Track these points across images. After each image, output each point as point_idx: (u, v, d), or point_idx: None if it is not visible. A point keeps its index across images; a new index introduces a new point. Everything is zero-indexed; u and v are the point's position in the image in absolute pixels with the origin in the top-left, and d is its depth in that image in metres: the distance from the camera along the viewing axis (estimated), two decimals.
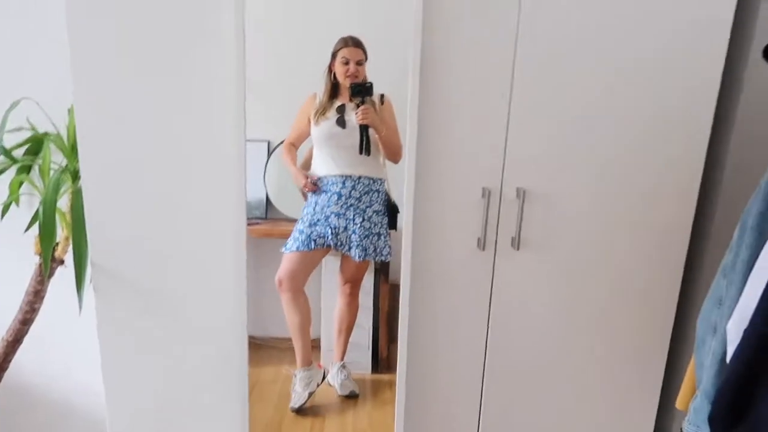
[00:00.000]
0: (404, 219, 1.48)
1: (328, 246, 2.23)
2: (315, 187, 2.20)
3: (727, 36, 1.41)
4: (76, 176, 1.60)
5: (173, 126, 1.45)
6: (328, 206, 2.21)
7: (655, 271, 1.57)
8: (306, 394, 2.22)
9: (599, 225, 1.54)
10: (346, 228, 2.22)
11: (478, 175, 1.50)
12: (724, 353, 1.12)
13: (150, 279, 1.54)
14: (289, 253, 2.20)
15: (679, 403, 1.31)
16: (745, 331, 1.04)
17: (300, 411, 2.17)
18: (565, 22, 1.42)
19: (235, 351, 1.59)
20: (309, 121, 2.23)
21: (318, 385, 2.28)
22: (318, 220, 2.22)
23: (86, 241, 1.49)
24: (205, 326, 1.58)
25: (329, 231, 2.21)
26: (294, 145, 2.28)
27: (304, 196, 2.28)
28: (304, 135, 2.27)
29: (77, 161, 1.48)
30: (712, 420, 1.07)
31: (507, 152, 1.49)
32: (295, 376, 2.26)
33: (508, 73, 1.45)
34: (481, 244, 1.53)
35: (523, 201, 1.50)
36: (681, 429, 1.20)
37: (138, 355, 1.58)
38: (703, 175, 1.51)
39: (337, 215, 2.21)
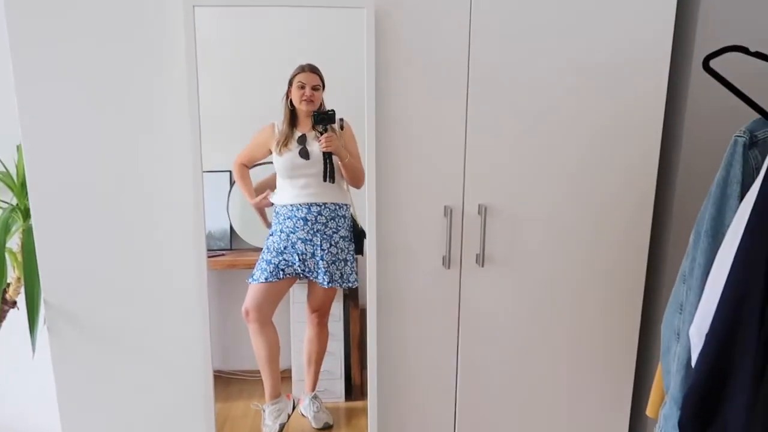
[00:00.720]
0: (368, 241, 1.48)
1: (296, 275, 2.20)
2: (268, 201, 2.15)
3: (670, 45, 1.46)
4: (27, 214, 1.55)
5: (126, 158, 1.42)
6: (294, 232, 2.19)
7: (618, 279, 1.58)
8: (277, 426, 2.15)
9: (561, 237, 1.55)
10: (313, 254, 2.19)
11: (439, 194, 1.50)
12: (689, 358, 1.13)
13: (108, 317, 1.49)
14: (256, 283, 2.16)
15: (649, 411, 1.32)
16: (707, 335, 1.05)
17: None
18: (516, 38, 1.45)
19: (199, 387, 1.54)
20: (267, 150, 2.21)
21: (289, 416, 2.21)
22: (285, 247, 2.19)
23: (39, 281, 1.43)
24: (168, 363, 1.53)
25: (296, 258, 2.18)
26: (245, 166, 2.25)
27: (264, 219, 2.25)
28: (256, 159, 2.24)
29: (27, 199, 1.44)
30: (681, 426, 1.07)
31: (466, 170, 1.50)
32: (264, 410, 2.20)
33: (463, 91, 1.46)
34: (446, 262, 1.53)
35: (485, 217, 1.51)
36: None
37: (97, 397, 1.52)
38: (658, 182, 1.54)
39: (304, 241, 2.18)
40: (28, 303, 1.49)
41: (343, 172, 2.15)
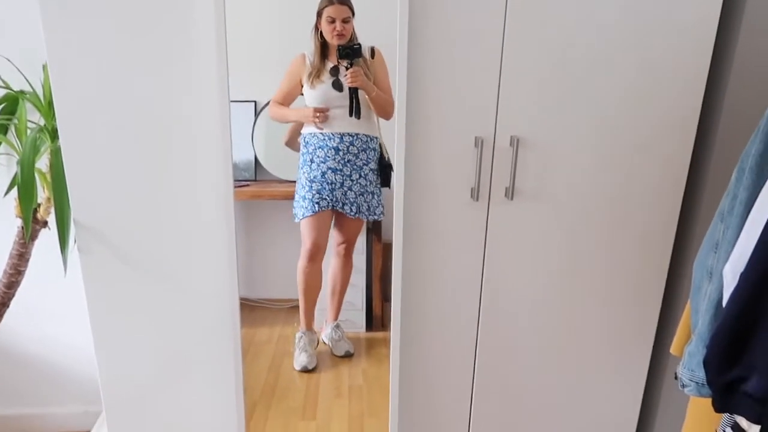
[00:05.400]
0: (395, 173, 1.45)
1: (329, 206, 2.22)
2: (325, 115, 2.14)
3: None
4: (54, 135, 1.55)
5: (153, 85, 1.39)
6: (325, 162, 2.19)
7: (652, 216, 1.55)
8: (309, 353, 2.26)
9: (593, 172, 1.51)
10: (342, 184, 2.20)
11: (470, 124, 1.46)
12: (720, 298, 1.11)
13: (137, 240, 1.50)
14: (303, 220, 2.21)
15: (673, 349, 1.31)
16: (742, 274, 1.02)
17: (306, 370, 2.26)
18: None
19: (227, 311, 1.57)
20: (299, 83, 2.18)
21: (315, 348, 2.33)
22: (315, 176, 2.20)
23: (68, 201, 1.44)
24: (196, 289, 1.55)
25: (326, 187, 2.19)
26: (283, 105, 2.24)
27: (296, 146, 2.25)
28: (293, 96, 2.23)
29: (55, 119, 1.43)
30: (707, 363, 1.06)
31: (500, 100, 1.45)
32: (303, 336, 2.30)
33: (500, 21, 1.40)
34: (475, 194, 1.50)
35: (517, 149, 1.47)
36: (675, 374, 1.20)
37: (127, 317, 1.56)
38: (700, 118, 1.48)
39: (334, 171, 2.18)
40: (58, 223, 1.51)
41: (371, 105, 2.12)
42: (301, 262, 2.28)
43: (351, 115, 2.11)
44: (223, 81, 1.41)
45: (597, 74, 1.45)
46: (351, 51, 2.00)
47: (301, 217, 2.21)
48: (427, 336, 1.66)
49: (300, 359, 2.25)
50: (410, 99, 1.43)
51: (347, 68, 2.03)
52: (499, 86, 1.43)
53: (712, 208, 1.46)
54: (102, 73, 1.38)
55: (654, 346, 1.68)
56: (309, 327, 2.33)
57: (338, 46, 2.04)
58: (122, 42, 1.36)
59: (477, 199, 1.51)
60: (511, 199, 1.51)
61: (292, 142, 2.31)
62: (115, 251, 1.50)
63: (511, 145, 1.46)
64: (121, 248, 1.50)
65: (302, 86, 2.17)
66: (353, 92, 2.08)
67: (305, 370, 2.23)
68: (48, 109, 1.58)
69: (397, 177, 1.46)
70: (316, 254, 2.27)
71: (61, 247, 1.49)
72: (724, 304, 1.08)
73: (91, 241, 1.48)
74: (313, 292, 2.33)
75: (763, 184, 1.04)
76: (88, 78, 1.38)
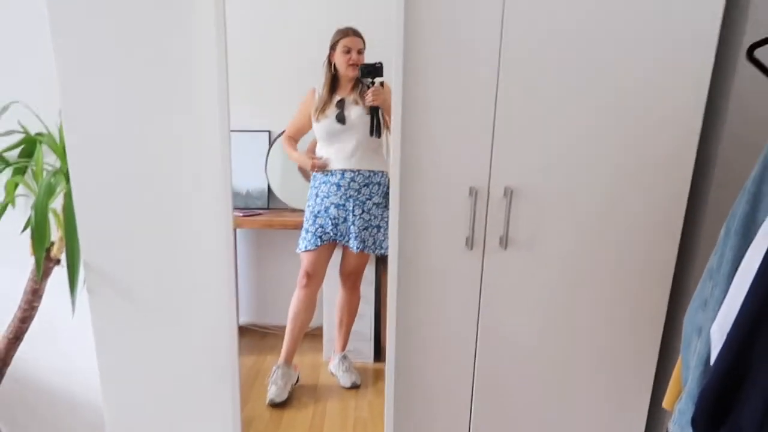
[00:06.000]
0: (391, 218, 1.48)
1: (332, 240, 2.25)
2: (324, 164, 2.20)
3: (716, 33, 1.37)
4: (68, 178, 1.62)
5: (160, 123, 1.45)
6: (328, 197, 2.23)
7: (645, 269, 1.54)
8: (287, 391, 2.24)
9: (587, 223, 1.52)
10: (345, 219, 2.23)
11: (465, 175, 1.48)
12: (709, 355, 1.11)
13: (144, 278, 1.55)
14: (303, 252, 2.24)
15: (665, 403, 1.30)
16: (728, 334, 1.03)
17: (277, 406, 2.20)
18: (550, 19, 1.39)
19: (226, 341, 1.61)
20: (309, 117, 2.23)
21: (293, 386, 2.30)
22: (319, 211, 2.24)
23: (78, 242, 1.51)
24: (201, 321, 1.60)
25: (329, 222, 2.23)
26: (293, 139, 2.30)
27: (307, 176, 2.29)
28: (304, 130, 2.29)
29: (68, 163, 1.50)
30: (694, 422, 1.06)
31: (494, 151, 1.47)
32: (278, 368, 2.28)
33: (494, 71, 1.42)
34: (470, 243, 1.53)
35: (511, 200, 1.49)
36: (667, 429, 1.19)
37: (134, 354, 1.61)
38: (694, 176, 1.48)
39: (337, 206, 2.22)
40: (68, 264, 1.58)
41: (389, 128, 2.15)
42: (295, 291, 2.30)
43: (372, 134, 2.15)
44: (224, 113, 1.44)
45: (590, 126, 1.46)
46: (373, 69, 2.04)
47: (303, 249, 2.25)
48: (423, 378, 1.67)
49: (269, 392, 2.20)
50: (405, 145, 1.46)
51: (368, 87, 2.06)
52: (493, 138, 1.46)
53: (706, 261, 1.46)
54: (112, 116, 1.45)
55: (651, 399, 1.67)
56: (287, 361, 2.30)
57: (361, 64, 2.08)
58: (130, 87, 1.43)
59: (472, 248, 1.53)
60: (506, 248, 1.53)
61: (302, 170, 2.36)
62: (122, 291, 1.55)
63: (505, 195, 1.48)
64: (128, 286, 1.56)
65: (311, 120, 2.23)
66: (374, 111, 2.12)
67: (273, 404, 2.17)
68: (63, 152, 1.65)
69: (391, 220, 1.49)
70: (308, 283, 2.28)
71: (70, 288, 1.55)
72: (712, 361, 1.08)
73: (99, 282, 1.53)
74: (299, 321, 2.30)
75: (749, 245, 1.05)
76: (99, 122, 1.45)
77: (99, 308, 1.55)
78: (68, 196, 1.59)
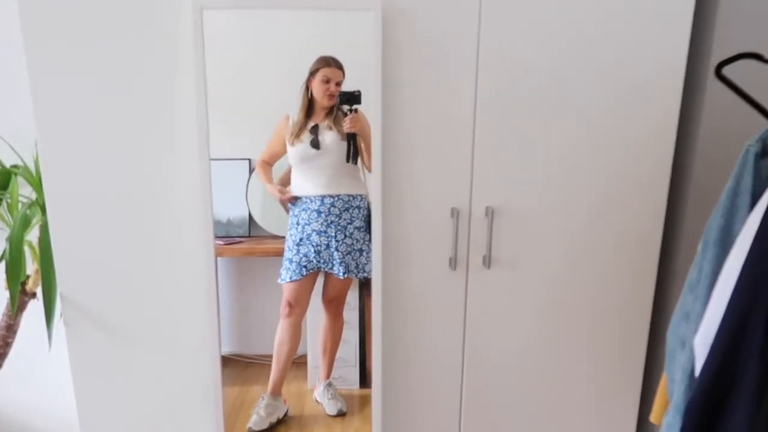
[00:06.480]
0: (373, 242, 1.48)
1: (316, 268, 2.23)
2: (293, 197, 2.19)
3: (685, 52, 1.41)
4: (44, 209, 1.59)
5: (138, 154, 1.45)
6: (309, 224, 2.21)
7: (627, 285, 1.56)
8: (268, 422, 2.18)
9: (568, 241, 1.54)
10: (328, 246, 2.21)
11: (446, 195, 1.50)
12: (693, 368, 1.11)
13: (122, 310, 1.53)
14: (285, 283, 2.21)
15: (653, 417, 1.31)
16: (711, 346, 1.03)
17: None
18: (526, 40, 1.42)
19: (209, 372, 1.58)
20: (283, 143, 2.23)
21: (279, 419, 2.25)
22: (301, 239, 2.22)
23: (54, 274, 1.47)
24: (181, 352, 1.57)
25: (312, 250, 2.21)
26: (268, 163, 2.29)
27: (285, 208, 2.28)
28: (278, 155, 2.27)
29: (44, 194, 1.48)
30: None
31: (474, 171, 1.48)
32: (263, 399, 2.23)
33: (471, 93, 1.45)
34: (453, 263, 1.53)
35: (492, 219, 1.50)
36: None
37: (113, 387, 1.57)
38: (670, 191, 1.51)
39: (319, 233, 2.20)
40: (45, 297, 1.54)
41: (365, 155, 2.16)
42: (280, 321, 2.27)
43: (348, 161, 2.14)
44: (203, 143, 1.44)
45: (567, 147, 1.49)
46: (351, 97, 2.05)
47: (288, 280, 2.22)
48: (410, 402, 1.65)
49: (250, 420, 2.11)
50: (386, 167, 1.48)
51: (345, 114, 2.07)
52: (472, 158, 1.47)
53: (686, 273, 1.48)
54: (88, 148, 1.43)
55: (639, 413, 1.67)
56: (274, 392, 2.22)
57: (340, 92, 2.09)
58: (107, 118, 1.42)
59: (455, 269, 1.53)
60: (489, 267, 1.53)
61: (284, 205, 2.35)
62: (101, 323, 1.52)
63: (486, 215, 1.49)
64: (106, 318, 1.53)
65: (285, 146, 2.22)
66: (351, 138, 2.12)
67: None
68: (39, 184, 1.63)
69: (374, 243, 1.49)
70: (291, 312, 2.25)
71: (47, 321, 1.51)
72: (696, 374, 1.08)
73: (77, 314, 1.50)
74: (284, 351, 2.24)
75: (726, 257, 1.06)
76: (76, 153, 1.43)
77: (76, 341, 1.52)
78: (44, 228, 1.56)
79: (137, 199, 1.47)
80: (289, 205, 2.26)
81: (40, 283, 1.64)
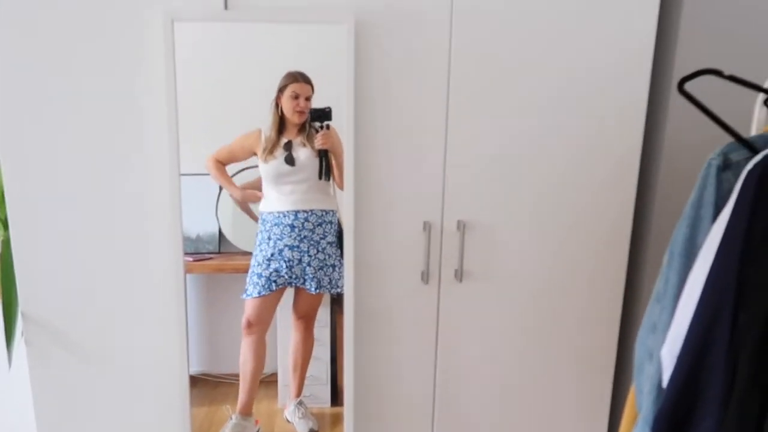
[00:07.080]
0: (346, 258, 1.48)
1: (287, 284, 2.20)
2: (254, 195, 2.15)
3: (650, 65, 1.45)
4: (6, 225, 1.55)
5: (105, 169, 1.42)
6: (281, 239, 2.19)
7: (596, 296, 1.58)
8: None
9: (539, 254, 1.55)
10: (300, 261, 2.19)
11: (418, 210, 1.50)
12: (661, 379, 1.13)
13: (86, 328, 1.49)
14: (251, 299, 2.16)
15: (622, 431, 1.32)
16: (678, 357, 1.05)
17: None
18: (496, 54, 1.45)
19: (177, 392, 1.54)
20: (249, 154, 2.20)
21: None
22: (272, 254, 2.19)
23: (16, 293, 1.43)
24: (148, 371, 1.54)
25: (284, 265, 2.18)
26: (222, 163, 2.23)
27: (251, 214, 2.25)
28: (235, 159, 2.21)
29: (6, 209, 1.44)
30: None
31: (446, 185, 1.49)
32: (232, 418, 2.18)
33: (443, 107, 1.46)
34: (425, 277, 1.53)
35: (464, 233, 1.51)
36: None
37: (75, 407, 1.52)
38: (636, 204, 1.55)
39: (291, 248, 2.18)
40: (5, 314, 1.49)
41: (336, 172, 2.15)
42: (242, 339, 2.22)
43: (321, 177, 2.14)
44: (174, 157, 1.42)
45: (535, 161, 1.51)
46: (323, 114, 2.05)
47: (255, 295, 2.18)
48: (382, 420, 1.64)
49: None
50: (358, 181, 1.48)
51: (317, 131, 2.06)
52: (444, 173, 1.49)
53: (654, 285, 1.50)
54: (53, 163, 1.40)
55: (608, 427, 1.68)
56: (242, 412, 2.17)
57: (311, 109, 2.08)
58: (75, 132, 1.39)
59: (427, 282, 1.54)
60: (461, 281, 1.54)
61: (246, 209, 2.31)
62: (64, 341, 1.48)
63: (458, 228, 1.50)
64: (70, 337, 1.48)
65: (250, 156, 2.19)
66: (323, 155, 2.11)
67: None
68: (1, 199, 1.58)
69: (346, 257, 1.48)
70: (251, 330, 2.21)
71: (6, 340, 1.46)
72: (664, 385, 1.10)
73: (39, 333, 1.45)
74: (248, 369, 2.19)
75: (691, 267, 1.08)
76: (40, 168, 1.40)
77: (38, 360, 1.47)
78: (6, 244, 1.51)
79: (104, 214, 1.44)
80: (261, 219, 2.24)
81: (0, 300, 1.59)
